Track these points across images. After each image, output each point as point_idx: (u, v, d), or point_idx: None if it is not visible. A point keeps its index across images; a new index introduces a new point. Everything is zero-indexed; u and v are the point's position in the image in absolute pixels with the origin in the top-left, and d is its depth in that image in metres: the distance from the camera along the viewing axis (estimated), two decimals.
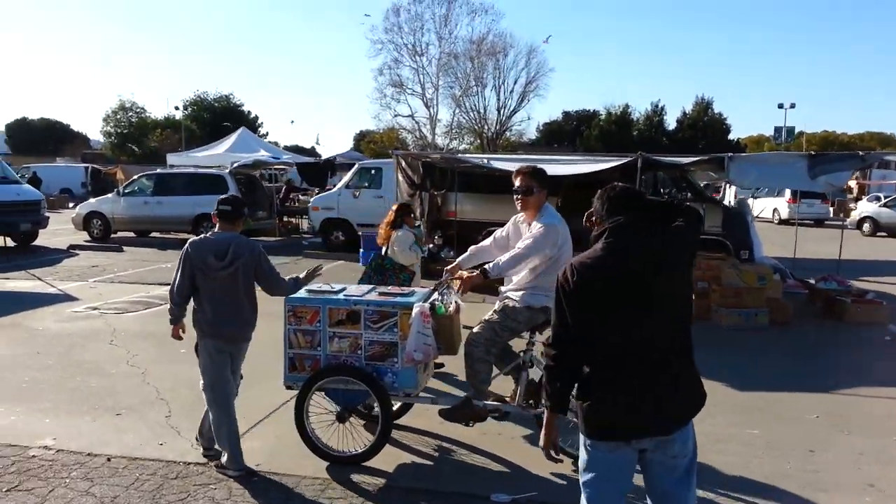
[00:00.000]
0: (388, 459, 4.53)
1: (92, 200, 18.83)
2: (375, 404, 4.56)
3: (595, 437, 2.61)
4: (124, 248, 16.00)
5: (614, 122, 53.35)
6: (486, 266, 4.38)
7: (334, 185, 18.82)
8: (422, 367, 4.57)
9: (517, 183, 4.47)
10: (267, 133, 57.33)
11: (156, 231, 18.07)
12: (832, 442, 4.99)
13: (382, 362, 4.42)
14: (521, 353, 4.60)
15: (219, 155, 20.47)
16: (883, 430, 5.21)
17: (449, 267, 4.75)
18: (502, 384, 4.85)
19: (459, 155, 11.22)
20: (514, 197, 4.50)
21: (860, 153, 9.20)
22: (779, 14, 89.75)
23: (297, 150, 45.23)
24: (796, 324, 8.82)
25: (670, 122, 54.23)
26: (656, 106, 54.28)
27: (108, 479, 4.22)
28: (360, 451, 4.45)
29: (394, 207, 7.05)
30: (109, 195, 18.62)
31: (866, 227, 22.31)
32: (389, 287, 5.24)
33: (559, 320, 2.66)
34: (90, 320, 8.61)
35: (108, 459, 4.51)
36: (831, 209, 27.89)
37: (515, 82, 50.57)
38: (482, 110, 51.29)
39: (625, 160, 8.87)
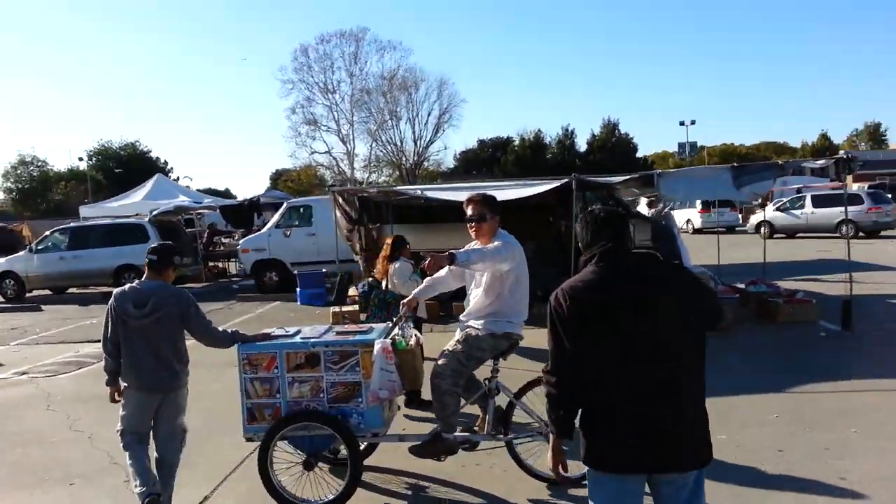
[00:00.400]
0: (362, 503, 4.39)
1: (1, 260, 17.73)
2: (342, 447, 4.43)
3: (597, 467, 2.57)
4: (43, 306, 15.12)
5: (529, 148, 54.64)
6: (455, 252, 4.27)
7: (261, 226, 18.43)
8: (387, 405, 4.49)
9: (469, 211, 4.47)
10: (178, 178, 55.79)
11: (74, 286, 17.19)
12: (797, 440, 5.17)
13: (347, 403, 4.28)
14: (486, 381, 4.57)
15: (135, 203, 19.75)
16: (840, 425, 5.44)
17: (406, 300, 4.71)
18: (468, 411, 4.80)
19: (396, 188, 11.18)
20: (469, 225, 4.49)
21: (779, 162, 9.75)
22: (674, 32, 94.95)
23: (211, 192, 44.11)
24: (733, 329, 9.16)
25: (581, 145, 56.03)
26: (566, 130, 56.02)
27: None
28: (330, 497, 4.28)
29: (388, 241, 7.00)
30: (21, 253, 17.63)
31: (763, 230, 23.60)
32: (345, 325, 5.13)
33: (556, 346, 2.59)
34: (20, 386, 8.05)
35: None
36: (740, 216, 29.55)
37: (429, 114, 51.49)
38: (399, 143, 51.85)
39: (560, 182, 9.05)
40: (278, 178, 58.93)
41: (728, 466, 4.71)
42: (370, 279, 12.85)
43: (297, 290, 13.87)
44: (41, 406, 7.13)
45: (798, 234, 24.27)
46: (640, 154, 56.94)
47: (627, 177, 9.56)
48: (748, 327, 9.34)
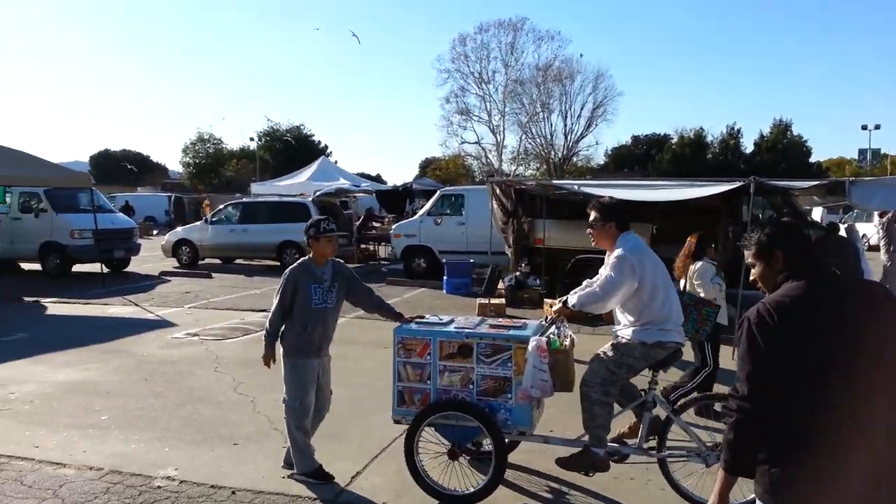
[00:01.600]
0: (502, 500, 4.31)
1: (180, 229, 19.43)
2: (486, 441, 4.37)
3: None
4: (213, 274, 16.36)
5: (688, 146, 52.05)
6: (568, 297, 4.29)
7: (413, 212, 18.88)
8: (536, 404, 4.37)
9: (590, 217, 4.42)
10: (336, 161, 58.66)
11: (241, 258, 18.46)
12: None
13: (495, 398, 4.22)
14: (644, 392, 4.34)
15: (300, 184, 20.86)
16: None
17: (556, 308, 4.47)
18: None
19: (554, 181, 11.00)
20: (588, 232, 4.47)
21: None
22: (855, 27, 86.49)
23: (363, 177, 46.02)
24: None
25: (747, 146, 52.61)
26: (732, 129, 52.80)
27: None
28: (471, 490, 4.24)
29: (692, 238, 6.26)
30: (197, 223, 19.19)
31: None
32: (500, 319, 5.04)
33: (754, 367, 2.26)
34: (192, 346, 8.73)
35: (233, 492, 4.44)
36: None
37: (583, 107, 50.39)
38: (549, 136, 51.21)
39: (736, 184, 8.46)
40: (427, 166, 60.21)
41: None
42: (518, 273, 12.92)
43: (444, 278, 14.05)
44: (210, 367, 7.68)
45: None
46: (813, 159, 52.59)
47: (814, 183, 8.79)
48: None
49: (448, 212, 15.70)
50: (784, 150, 50.42)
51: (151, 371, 7.50)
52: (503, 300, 11.59)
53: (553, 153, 51.59)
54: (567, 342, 4.34)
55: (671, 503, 4.29)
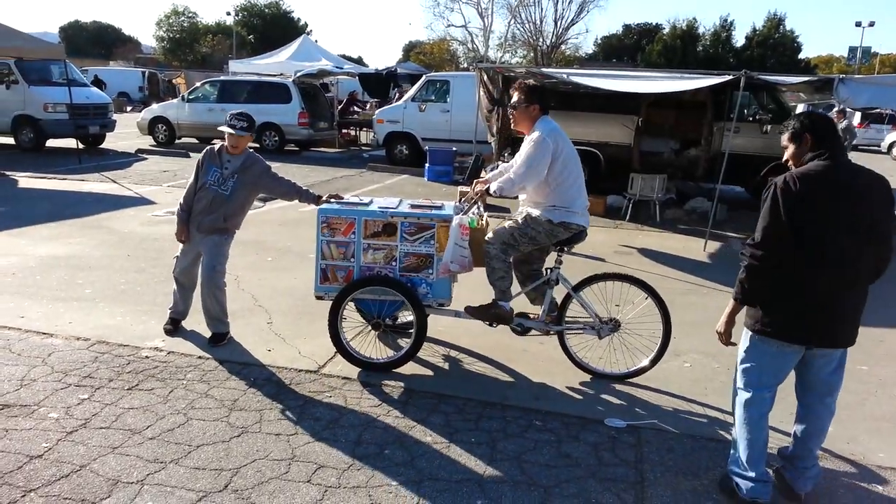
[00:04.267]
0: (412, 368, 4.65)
1: (156, 106, 18.91)
2: (403, 314, 4.76)
3: (776, 336, 2.96)
4: (191, 154, 16.09)
5: (679, 38, 50.79)
6: (490, 184, 4.44)
7: (396, 98, 18.48)
8: (453, 279, 4.65)
9: (513, 98, 4.49)
10: (317, 41, 56.56)
11: (218, 138, 18.05)
12: None
13: (417, 273, 4.45)
14: (548, 271, 4.57)
15: (281, 63, 20.18)
16: None
17: (480, 179, 4.75)
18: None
19: (543, 69, 10.74)
20: (508, 112, 4.59)
21: None
22: None
23: (344, 59, 44.55)
24: None
25: (738, 39, 51.47)
26: (725, 21, 51.48)
27: (225, 383, 4.30)
28: (393, 356, 4.58)
29: None
30: (174, 101, 18.67)
31: (895, 151, 24.02)
32: (420, 199, 5.14)
33: (773, 221, 2.85)
34: (173, 225, 8.66)
35: (220, 363, 4.60)
36: None
37: None
38: (538, 21, 49.48)
39: (727, 77, 8.34)
40: (411, 49, 58.43)
41: (867, 399, 4.48)
42: (500, 162, 12.85)
43: (426, 165, 13.98)
44: None
45: None
46: (802, 56, 51.75)
47: (804, 78, 8.68)
48: None
49: (433, 98, 15.38)
50: (775, 45, 49.47)
51: (134, 247, 7.52)
52: None
53: (542, 40, 50.08)
54: (483, 222, 4.62)
55: (556, 369, 4.73)
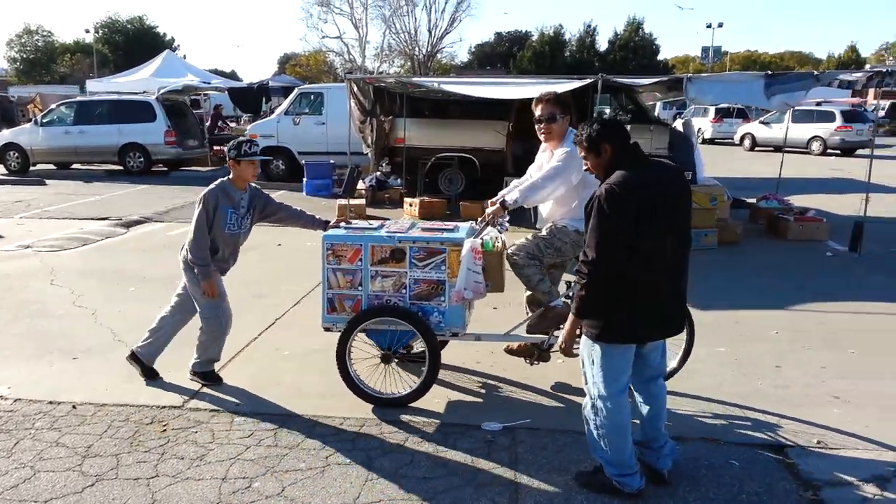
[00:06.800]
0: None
1: (6, 131, 17.54)
2: (417, 344, 4.39)
3: (618, 341, 3.10)
4: (47, 181, 15.04)
5: (547, 44, 52.75)
6: (506, 197, 4.27)
7: (270, 112, 18.05)
8: (468, 306, 4.42)
9: (538, 112, 4.30)
10: (185, 56, 54.47)
11: (79, 162, 17.04)
12: (795, 357, 5.18)
13: (428, 301, 4.20)
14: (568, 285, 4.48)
15: (143, 80, 19.31)
16: (840, 344, 5.44)
17: (492, 200, 4.45)
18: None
19: (413, 79, 10.79)
20: (537, 127, 4.34)
21: (815, 73, 9.33)
22: None
23: (217, 73, 43.20)
24: (742, 243, 9.10)
25: (602, 44, 54.09)
26: (588, 26, 53.96)
27: (78, 428, 3.99)
28: (405, 392, 4.26)
29: None
30: (26, 125, 17.45)
31: (746, 142, 24.49)
32: (432, 223, 4.93)
33: (604, 234, 2.92)
34: (24, 259, 8.08)
35: (74, 407, 4.26)
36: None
37: (447, 1, 49.26)
38: (413, 31, 49.85)
39: (585, 82, 8.70)
40: (286, 62, 57.41)
41: (725, 380, 4.75)
42: (378, 173, 12.81)
43: (304, 179, 13.71)
44: (45, 280, 7.16)
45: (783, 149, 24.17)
46: (661, 57, 55.06)
47: (656, 79, 9.18)
48: (759, 243, 9.27)
49: (307, 111, 15.10)
50: (636, 48, 52.35)
51: None
52: (363, 201, 11.54)
53: (417, 50, 50.49)
54: (499, 244, 4.35)
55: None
